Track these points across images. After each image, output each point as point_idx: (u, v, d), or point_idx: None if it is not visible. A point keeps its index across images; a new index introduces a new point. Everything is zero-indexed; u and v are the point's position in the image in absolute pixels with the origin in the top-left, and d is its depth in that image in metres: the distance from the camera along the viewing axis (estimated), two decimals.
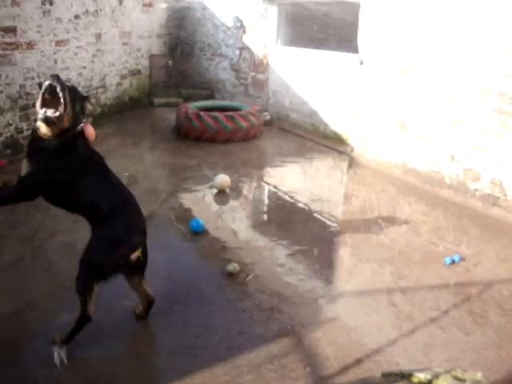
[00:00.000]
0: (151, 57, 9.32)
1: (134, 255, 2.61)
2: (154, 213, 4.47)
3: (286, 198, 5.03)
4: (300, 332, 2.85)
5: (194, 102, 7.77)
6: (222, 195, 5.00)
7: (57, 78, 2.50)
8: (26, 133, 5.97)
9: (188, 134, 6.94)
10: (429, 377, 2.06)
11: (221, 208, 4.86)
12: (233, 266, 3.43)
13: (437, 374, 2.07)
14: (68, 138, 2.56)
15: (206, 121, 6.80)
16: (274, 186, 5.38)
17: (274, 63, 8.05)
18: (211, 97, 9.32)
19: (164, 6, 9.35)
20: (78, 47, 6.92)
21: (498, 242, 4.10)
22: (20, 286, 3.24)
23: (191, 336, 2.79)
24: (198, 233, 4.04)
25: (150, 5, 8.99)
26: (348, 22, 7.10)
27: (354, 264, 3.73)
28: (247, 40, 8.50)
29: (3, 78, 5.50)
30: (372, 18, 5.95)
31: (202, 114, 6.87)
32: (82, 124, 2.62)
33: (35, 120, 2.61)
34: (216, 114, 6.88)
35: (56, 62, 6.44)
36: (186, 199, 4.87)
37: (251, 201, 5.03)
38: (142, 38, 8.93)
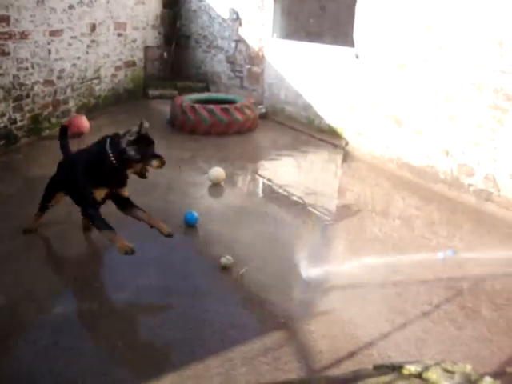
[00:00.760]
0: (146, 48, 9.26)
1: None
2: (147, 206, 4.46)
3: (281, 191, 5.04)
4: (293, 325, 2.86)
5: (188, 95, 7.74)
6: (216, 188, 5.00)
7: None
8: (20, 123, 5.94)
9: (183, 127, 6.91)
10: (419, 369, 2.08)
11: (215, 201, 4.86)
12: (226, 259, 3.43)
13: (427, 367, 2.09)
14: None
15: (201, 113, 6.77)
16: (269, 179, 5.38)
17: (269, 56, 8.02)
18: (206, 89, 9.29)
19: None
20: (72, 37, 6.86)
21: (491, 237, 4.13)
22: (15, 278, 3.23)
23: (185, 328, 2.80)
24: (193, 225, 4.04)
25: None
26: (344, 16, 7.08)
27: (347, 258, 3.74)
28: (243, 32, 8.46)
29: None
30: (368, 13, 5.94)
31: (196, 106, 6.85)
32: None
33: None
34: (211, 106, 6.86)
35: (50, 52, 6.38)
36: (181, 192, 4.87)
37: (246, 194, 5.03)
38: (137, 30, 8.87)
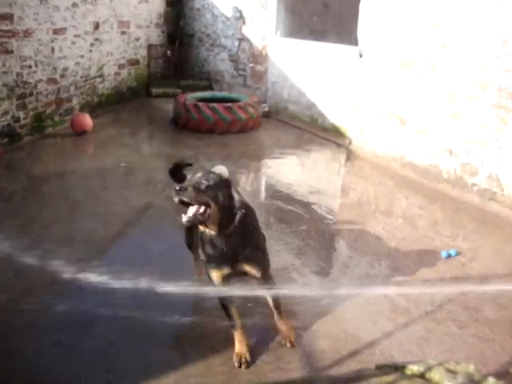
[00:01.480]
0: (149, 47, 9.25)
1: None
2: (151, 203, 4.47)
3: (284, 189, 5.03)
4: (295, 324, 2.86)
5: (192, 93, 7.73)
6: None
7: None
8: (23, 121, 5.95)
9: (186, 125, 6.91)
10: (422, 369, 2.07)
11: None
12: None
13: (430, 367, 2.08)
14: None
15: (204, 112, 6.77)
16: (272, 178, 5.37)
17: (272, 55, 8.01)
18: (210, 87, 9.27)
19: None
20: (75, 36, 6.86)
21: (494, 237, 4.11)
22: (16, 275, 3.23)
23: (187, 326, 2.80)
24: None
25: None
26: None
27: (350, 257, 3.73)
28: (246, 31, 8.45)
29: (0, 66, 5.46)
30: (372, 11, 5.92)
31: (200, 104, 6.84)
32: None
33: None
34: (214, 105, 6.85)
35: (53, 50, 6.39)
36: None
37: (249, 192, 5.02)
38: (141, 28, 8.87)
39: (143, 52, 9.10)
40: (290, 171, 5.73)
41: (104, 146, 6.22)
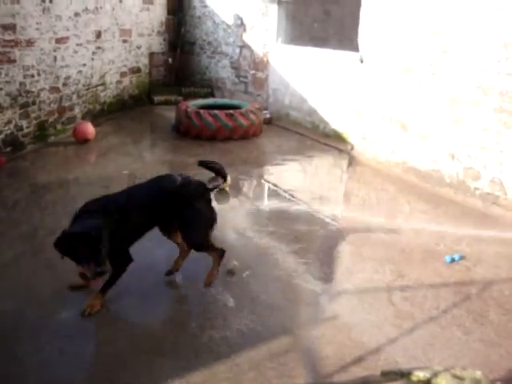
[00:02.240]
0: (151, 55, 9.30)
1: None
2: None
3: (286, 196, 5.03)
4: (300, 330, 2.85)
5: (193, 100, 7.75)
6: (221, 193, 5.00)
7: None
8: (26, 130, 5.97)
9: (188, 132, 6.93)
10: (428, 375, 2.06)
11: (220, 206, 4.85)
12: (232, 264, 3.43)
13: (436, 373, 2.07)
14: None
15: (206, 119, 6.79)
16: (274, 184, 5.37)
17: (274, 61, 8.03)
18: (211, 95, 9.30)
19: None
20: (77, 45, 6.90)
21: (498, 241, 4.09)
22: (20, 283, 3.23)
23: (191, 334, 2.79)
24: None
25: (151, 2, 8.97)
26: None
27: (354, 262, 3.73)
28: (247, 38, 8.48)
29: (3, 75, 5.49)
30: (373, 17, 5.94)
31: (201, 112, 6.86)
32: None
33: None
34: (216, 112, 6.87)
35: (56, 59, 6.43)
36: None
37: (251, 199, 5.02)
38: (142, 36, 8.91)
39: (145, 60, 9.14)
40: (292, 177, 5.73)
41: (106, 154, 6.24)
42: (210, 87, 9.47)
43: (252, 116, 7.00)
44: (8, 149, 5.65)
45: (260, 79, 8.40)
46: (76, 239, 2.62)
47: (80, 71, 7.04)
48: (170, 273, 3.34)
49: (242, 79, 8.82)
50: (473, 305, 3.14)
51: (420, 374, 2.07)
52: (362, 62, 6.14)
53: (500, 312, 3.08)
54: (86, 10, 7.05)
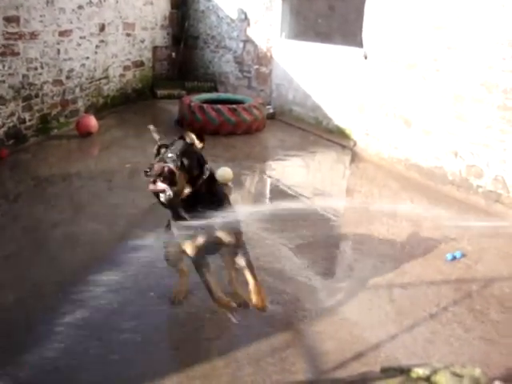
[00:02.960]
0: (155, 49, 9.27)
1: None
2: (155, 205, 4.46)
3: (289, 191, 5.02)
4: (300, 326, 2.86)
5: (197, 95, 7.74)
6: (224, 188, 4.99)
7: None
8: (29, 123, 5.98)
9: (191, 127, 6.92)
10: (427, 372, 2.06)
11: None
12: None
13: (435, 370, 2.07)
14: None
15: (209, 113, 6.78)
16: (277, 180, 5.37)
17: (277, 56, 8.01)
18: (214, 89, 9.28)
19: None
20: (81, 38, 6.89)
21: (499, 239, 4.08)
22: (22, 277, 3.25)
23: (192, 328, 2.80)
24: None
25: None
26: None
27: (355, 259, 3.73)
28: (251, 33, 8.45)
29: (6, 67, 5.49)
30: (377, 13, 5.91)
31: (204, 106, 6.85)
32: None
33: None
34: (219, 106, 6.86)
35: (59, 52, 6.42)
36: None
37: (253, 194, 5.02)
38: (146, 30, 8.89)
39: (148, 54, 9.12)
40: (295, 173, 5.73)
41: (109, 147, 6.24)
42: (213, 81, 9.44)
43: (255, 111, 6.99)
44: (11, 141, 5.65)
45: (263, 74, 8.38)
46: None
47: (83, 64, 7.03)
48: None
49: (245, 74, 8.80)
50: (473, 302, 3.14)
51: (419, 371, 2.07)
52: (365, 57, 6.12)
53: (500, 310, 3.08)
54: (90, 2, 7.03)
